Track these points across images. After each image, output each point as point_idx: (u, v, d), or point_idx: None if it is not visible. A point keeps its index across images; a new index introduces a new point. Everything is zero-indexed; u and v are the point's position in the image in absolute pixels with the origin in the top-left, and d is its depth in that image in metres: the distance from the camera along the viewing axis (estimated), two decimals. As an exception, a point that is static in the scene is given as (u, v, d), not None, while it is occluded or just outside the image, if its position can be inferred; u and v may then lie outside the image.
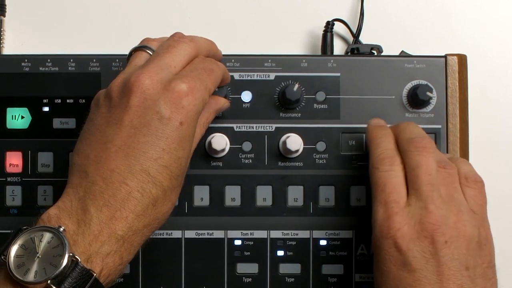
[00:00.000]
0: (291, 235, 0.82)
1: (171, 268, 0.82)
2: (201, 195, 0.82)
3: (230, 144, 0.82)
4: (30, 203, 0.82)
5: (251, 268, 0.82)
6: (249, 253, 0.82)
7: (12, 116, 0.82)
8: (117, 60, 0.82)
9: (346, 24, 0.89)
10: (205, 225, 0.82)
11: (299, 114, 0.82)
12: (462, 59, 0.83)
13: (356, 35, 0.89)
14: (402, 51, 0.85)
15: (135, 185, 0.66)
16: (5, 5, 0.89)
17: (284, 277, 0.82)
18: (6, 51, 0.88)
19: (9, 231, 0.79)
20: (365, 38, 0.89)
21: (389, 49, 0.86)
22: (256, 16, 0.91)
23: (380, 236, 0.71)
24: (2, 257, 0.65)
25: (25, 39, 0.90)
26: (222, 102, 0.78)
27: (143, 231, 0.68)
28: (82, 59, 0.82)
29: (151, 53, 0.73)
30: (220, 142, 0.81)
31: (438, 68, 0.82)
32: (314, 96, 0.82)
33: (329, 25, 0.88)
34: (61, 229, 0.64)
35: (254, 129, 0.82)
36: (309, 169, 0.82)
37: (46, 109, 0.82)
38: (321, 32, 0.89)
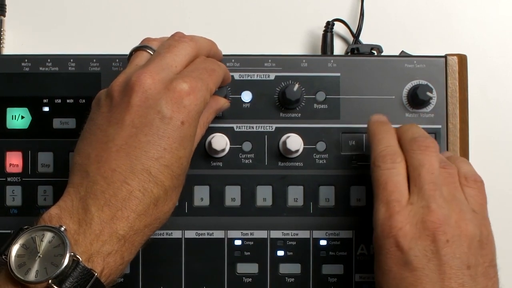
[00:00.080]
0: (291, 235, 0.82)
1: (171, 268, 0.82)
2: (201, 195, 0.82)
3: (230, 144, 0.82)
4: (30, 203, 0.82)
5: (251, 268, 0.82)
6: (249, 253, 0.82)
7: (12, 116, 0.82)
8: (117, 60, 0.82)
9: (346, 24, 0.89)
10: (205, 225, 0.82)
11: (299, 114, 0.82)
12: (462, 59, 0.83)
13: (356, 35, 0.89)
14: (402, 51, 0.85)
15: (136, 185, 0.66)
16: (5, 5, 0.89)
17: (284, 277, 0.82)
18: (6, 51, 0.88)
19: (9, 231, 0.80)
20: (365, 38, 0.89)
21: (389, 49, 0.86)
22: (256, 16, 0.91)
23: (382, 235, 0.71)
24: (3, 256, 0.65)
25: (25, 39, 0.90)
26: (222, 102, 0.78)
27: (144, 231, 0.68)
28: (82, 59, 0.82)
29: (152, 53, 0.73)
30: (220, 142, 0.81)
31: (438, 68, 0.82)
32: (314, 96, 0.82)
33: (329, 25, 0.88)
34: (62, 228, 0.64)
35: (254, 129, 0.82)
36: (309, 169, 0.82)
37: (46, 109, 0.82)
38: (321, 32, 0.89)
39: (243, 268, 0.82)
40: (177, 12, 0.91)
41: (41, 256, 0.64)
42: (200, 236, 0.82)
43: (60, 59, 0.82)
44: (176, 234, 0.82)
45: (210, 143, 0.81)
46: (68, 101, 0.82)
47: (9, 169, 0.82)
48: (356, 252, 0.82)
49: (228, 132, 0.82)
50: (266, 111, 0.82)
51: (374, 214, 0.72)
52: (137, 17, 0.91)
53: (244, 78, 0.82)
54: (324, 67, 0.83)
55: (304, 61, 0.83)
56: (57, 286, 0.63)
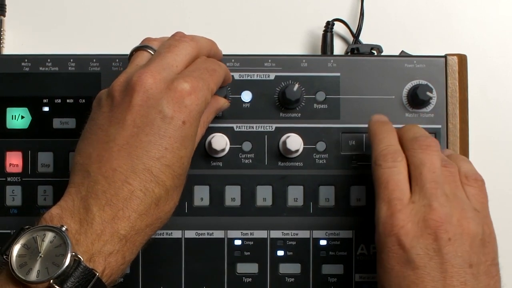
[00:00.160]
0: (291, 235, 0.82)
1: (171, 268, 0.82)
2: (201, 195, 0.82)
3: (230, 144, 0.82)
4: (30, 203, 0.81)
5: (251, 268, 0.82)
6: (249, 253, 0.82)
7: (12, 116, 0.82)
8: (117, 60, 0.82)
9: (346, 24, 0.89)
10: (205, 225, 0.82)
11: (299, 114, 0.82)
12: (462, 59, 0.83)
13: (356, 35, 0.89)
14: (402, 51, 0.85)
15: (137, 184, 0.66)
16: (5, 5, 0.89)
17: (284, 277, 0.82)
18: (6, 51, 0.88)
19: (9, 231, 0.80)
20: (365, 38, 0.89)
21: (389, 49, 0.86)
22: (256, 16, 0.91)
23: (383, 233, 0.71)
24: (4, 256, 0.65)
25: (25, 39, 0.90)
26: (222, 102, 0.78)
27: (146, 231, 0.68)
28: (82, 59, 0.82)
29: (152, 53, 0.73)
30: (220, 142, 0.81)
31: (438, 68, 0.83)
32: (314, 96, 0.82)
33: (329, 25, 0.88)
34: (64, 228, 0.64)
35: (254, 129, 0.82)
36: (309, 169, 0.82)
37: (46, 109, 0.82)
38: (321, 32, 0.89)
39: (243, 268, 0.82)
40: (177, 12, 0.91)
41: (42, 256, 0.64)
42: (200, 236, 0.82)
43: (60, 59, 0.82)
44: (176, 234, 0.82)
45: (210, 143, 0.81)
46: (68, 101, 0.82)
47: (9, 169, 0.82)
48: (356, 252, 0.82)
49: (228, 132, 0.82)
50: (266, 111, 0.82)
51: (376, 213, 0.72)
52: (137, 17, 0.91)
53: (244, 78, 0.82)
54: (324, 67, 0.83)
55: (304, 61, 0.83)
56: (58, 286, 0.63)
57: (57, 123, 0.82)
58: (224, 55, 0.79)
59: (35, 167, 0.82)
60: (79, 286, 0.63)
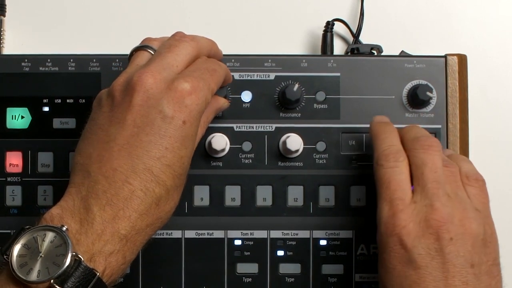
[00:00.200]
0: (291, 235, 0.82)
1: (171, 268, 0.82)
2: (201, 195, 0.82)
3: (230, 144, 0.82)
4: (30, 203, 0.81)
5: (251, 268, 0.82)
6: (249, 253, 0.82)
7: (12, 116, 0.82)
8: (117, 60, 0.82)
9: (346, 24, 0.89)
10: (205, 225, 0.82)
11: (299, 114, 0.82)
12: (462, 59, 0.83)
13: (356, 35, 0.89)
14: (402, 51, 0.85)
15: (138, 184, 0.66)
16: (5, 5, 0.89)
17: (284, 277, 0.82)
18: (6, 51, 0.88)
19: (9, 231, 0.80)
20: (365, 38, 0.89)
21: (389, 49, 0.86)
22: (256, 16, 0.91)
23: (385, 233, 0.71)
24: (5, 256, 0.65)
25: (25, 39, 0.90)
26: (221, 102, 0.78)
27: (146, 231, 0.67)
28: (82, 59, 0.82)
29: (153, 53, 0.73)
30: (220, 142, 0.81)
31: (438, 68, 0.83)
32: (314, 96, 0.82)
33: (329, 25, 0.88)
34: (64, 228, 0.64)
35: (254, 129, 0.82)
36: (309, 169, 0.82)
37: (46, 109, 0.82)
38: (321, 32, 0.89)
39: (243, 268, 0.82)
40: (177, 12, 0.91)
41: (43, 256, 0.64)
42: (200, 236, 0.82)
43: (60, 59, 0.82)
44: (176, 234, 0.82)
45: (210, 143, 0.81)
46: (68, 101, 0.82)
47: (9, 169, 0.82)
48: (356, 252, 0.82)
49: (228, 132, 0.82)
50: (266, 111, 0.82)
51: (378, 213, 0.72)
52: (137, 17, 0.91)
53: (244, 78, 0.82)
54: (324, 67, 0.83)
55: (304, 61, 0.83)
56: (59, 286, 0.63)
57: (57, 123, 0.82)
58: (224, 55, 0.79)
59: (35, 167, 0.82)
60: (80, 286, 0.63)
